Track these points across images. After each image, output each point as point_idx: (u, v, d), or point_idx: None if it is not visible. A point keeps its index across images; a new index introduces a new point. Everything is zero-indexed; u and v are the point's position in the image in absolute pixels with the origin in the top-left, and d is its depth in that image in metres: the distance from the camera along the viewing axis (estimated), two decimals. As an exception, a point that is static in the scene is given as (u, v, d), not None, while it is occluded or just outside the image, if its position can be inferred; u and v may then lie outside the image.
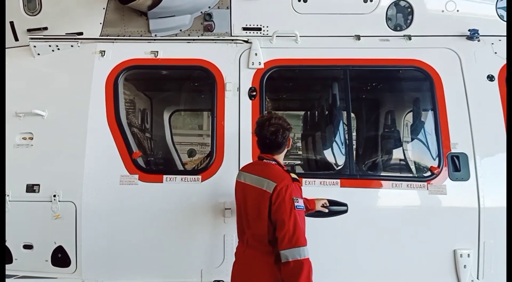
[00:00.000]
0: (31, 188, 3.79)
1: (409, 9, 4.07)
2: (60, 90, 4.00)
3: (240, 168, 3.35)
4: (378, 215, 3.69)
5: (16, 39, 4.25)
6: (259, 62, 3.96)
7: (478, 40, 4.02)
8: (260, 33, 4.09)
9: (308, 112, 6.00)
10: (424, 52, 3.96)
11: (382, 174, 4.38)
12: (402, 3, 4.08)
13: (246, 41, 4.05)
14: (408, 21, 4.08)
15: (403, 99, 5.10)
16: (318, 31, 4.05)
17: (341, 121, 4.35)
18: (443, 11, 4.08)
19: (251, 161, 3.54)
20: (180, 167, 5.75)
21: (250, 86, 3.92)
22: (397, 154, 4.86)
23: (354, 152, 4.27)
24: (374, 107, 5.35)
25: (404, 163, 4.76)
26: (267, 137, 3.03)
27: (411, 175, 4.39)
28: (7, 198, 3.79)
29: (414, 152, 4.72)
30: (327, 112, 4.95)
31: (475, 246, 3.64)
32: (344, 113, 4.38)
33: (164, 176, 3.82)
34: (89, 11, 4.11)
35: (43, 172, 3.81)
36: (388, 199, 3.75)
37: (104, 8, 4.08)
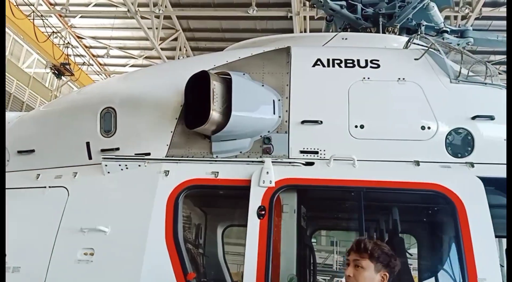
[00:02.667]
0: None
1: (469, 137, 4.06)
2: (124, 207, 4.17)
3: None
4: None
5: (90, 158, 4.59)
6: (270, 181, 4.01)
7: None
8: (318, 156, 4.19)
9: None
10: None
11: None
12: (461, 131, 4.08)
13: (304, 164, 4.14)
14: (469, 148, 4.04)
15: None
16: (375, 156, 4.08)
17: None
18: (505, 139, 4.02)
19: None
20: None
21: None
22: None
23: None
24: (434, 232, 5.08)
25: None
26: None
27: None
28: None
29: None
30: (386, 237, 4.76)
31: None
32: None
33: (218, 300, 3.70)
34: (158, 134, 4.42)
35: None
36: None
37: (171, 132, 4.39)
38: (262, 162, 4.15)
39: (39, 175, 4.66)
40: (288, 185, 4.05)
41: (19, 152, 4.85)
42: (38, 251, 4.13)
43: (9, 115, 5.36)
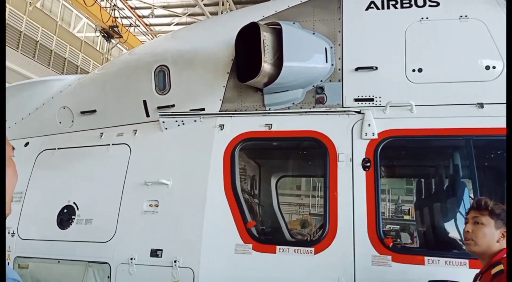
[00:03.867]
0: (155, 253, 4.05)
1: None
2: (184, 161, 4.34)
3: None
4: None
5: (148, 115, 4.76)
6: (373, 133, 3.94)
7: None
8: (373, 103, 4.09)
9: (422, 180, 5.70)
10: None
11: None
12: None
13: (358, 112, 4.07)
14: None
15: None
16: (435, 100, 3.92)
17: (466, 193, 4.04)
18: None
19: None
20: (287, 234, 5.76)
21: (364, 157, 3.88)
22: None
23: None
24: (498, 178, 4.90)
25: None
26: None
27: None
28: (133, 261, 4.09)
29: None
30: (447, 182, 4.65)
31: None
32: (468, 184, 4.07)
33: (277, 247, 3.84)
34: (211, 89, 4.49)
35: (166, 237, 4.08)
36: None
37: (224, 86, 4.43)
38: (318, 112, 4.11)
39: (102, 133, 4.91)
40: (392, 136, 3.97)
41: (82, 112, 5.10)
42: (108, 204, 4.44)
43: (69, 78, 5.61)
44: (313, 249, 3.75)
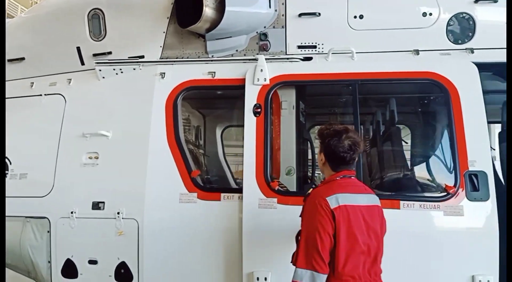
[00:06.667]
0: (96, 205, 3.97)
1: (471, 22, 3.92)
2: (124, 111, 4.18)
3: (330, 188, 2.79)
4: (389, 238, 3.53)
5: (82, 63, 4.49)
6: (265, 79, 3.96)
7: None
8: (316, 51, 4.09)
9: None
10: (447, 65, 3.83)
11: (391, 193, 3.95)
12: (463, 16, 3.93)
13: (302, 59, 4.06)
14: (470, 34, 3.93)
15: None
16: (375, 47, 3.99)
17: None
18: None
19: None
20: (233, 183, 5.82)
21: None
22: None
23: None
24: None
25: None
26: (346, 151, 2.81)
27: (424, 194, 4.13)
28: (74, 215, 3.99)
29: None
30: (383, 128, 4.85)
31: (495, 271, 3.39)
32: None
33: (222, 194, 3.88)
34: (150, 35, 4.27)
35: (107, 189, 3.99)
36: (399, 220, 3.49)
37: (164, 32, 4.23)
38: (256, 60, 4.05)
39: (33, 83, 4.59)
40: (284, 81, 4.01)
41: (9, 60, 4.71)
42: (43, 157, 4.23)
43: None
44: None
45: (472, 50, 3.90)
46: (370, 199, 2.85)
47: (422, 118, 5.05)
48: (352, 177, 2.92)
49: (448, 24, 3.95)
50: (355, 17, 4.01)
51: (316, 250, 2.58)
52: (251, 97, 3.97)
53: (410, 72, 3.86)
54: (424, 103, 4.70)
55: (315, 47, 4.09)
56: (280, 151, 4.13)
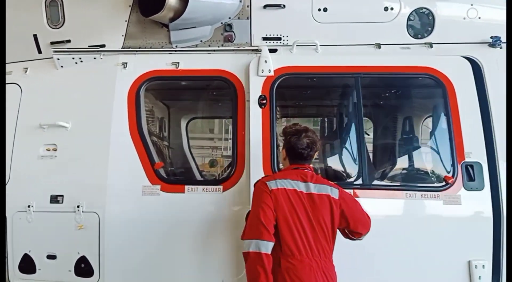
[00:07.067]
0: (55, 199, 3.85)
1: (430, 17, 4.04)
2: (83, 102, 4.05)
3: (273, 176, 3.22)
4: (391, 226, 3.66)
5: (40, 52, 4.32)
6: (269, 70, 3.96)
7: (501, 47, 3.97)
8: (280, 42, 4.09)
9: (323, 119, 5.98)
10: (442, 60, 3.94)
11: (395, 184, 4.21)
12: (423, 11, 4.04)
13: (271, 51, 4.03)
14: (430, 29, 4.05)
15: (420, 106, 5.05)
16: (338, 40, 4.04)
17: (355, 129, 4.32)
18: (464, 18, 4.03)
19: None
20: (198, 175, 5.78)
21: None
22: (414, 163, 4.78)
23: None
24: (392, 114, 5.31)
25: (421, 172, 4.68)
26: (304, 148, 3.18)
27: (425, 184, 4.30)
28: (31, 209, 3.86)
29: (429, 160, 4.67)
30: (345, 119, 4.92)
31: (489, 257, 3.60)
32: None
33: (186, 186, 3.84)
34: (112, 24, 4.16)
35: (66, 183, 3.87)
36: (402, 209, 3.73)
37: (126, 21, 4.14)
38: (226, 50, 4.03)
39: (-15, 71, 4.37)
40: (289, 73, 3.98)
41: (-42, 48, 4.46)
42: None
43: None
44: (221, 187, 3.82)
45: (431, 45, 4.02)
46: (318, 189, 3.09)
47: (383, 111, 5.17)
48: (306, 170, 3.19)
49: (408, 19, 4.05)
50: (319, 9, 4.05)
51: (259, 221, 2.91)
52: (255, 89, 3.93)
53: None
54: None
55: (279, 39, 4.10)
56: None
